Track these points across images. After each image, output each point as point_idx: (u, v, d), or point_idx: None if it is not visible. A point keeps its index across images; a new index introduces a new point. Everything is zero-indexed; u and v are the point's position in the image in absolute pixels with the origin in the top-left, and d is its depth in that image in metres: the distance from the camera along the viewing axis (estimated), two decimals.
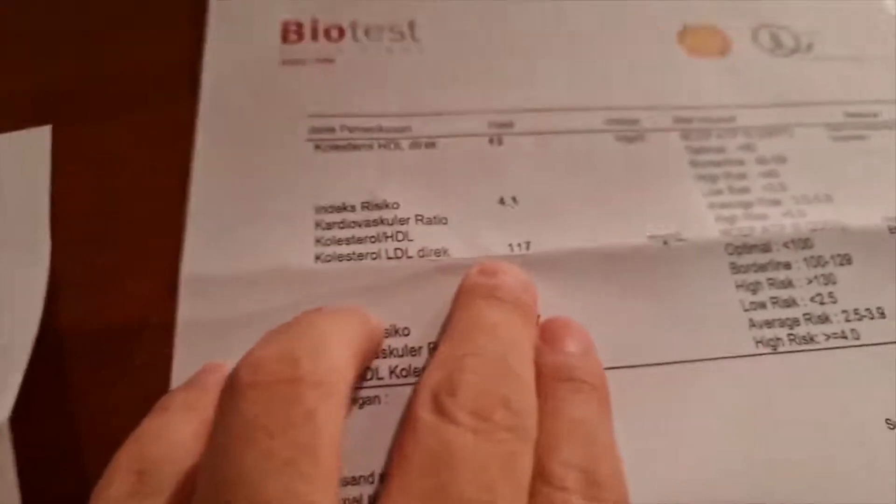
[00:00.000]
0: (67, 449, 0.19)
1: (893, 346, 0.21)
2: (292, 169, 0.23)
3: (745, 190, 0.24)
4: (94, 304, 0.21)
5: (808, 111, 0.26)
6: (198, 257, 0.21)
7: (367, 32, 0.27)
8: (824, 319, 0.21)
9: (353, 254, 0.21)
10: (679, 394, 0.20)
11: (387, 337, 0.20)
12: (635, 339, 0.21)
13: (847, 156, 0.25)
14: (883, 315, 0.22)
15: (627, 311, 0.21)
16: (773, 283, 0.22)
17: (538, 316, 0.20)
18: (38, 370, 0.18)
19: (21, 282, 0.20)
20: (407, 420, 0.16)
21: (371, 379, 0.19)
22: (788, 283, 0.22)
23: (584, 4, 0.28)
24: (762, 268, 0.22)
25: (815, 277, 0.22)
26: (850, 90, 0.27)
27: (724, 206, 0.23)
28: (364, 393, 0.19)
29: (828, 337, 0.21)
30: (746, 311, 0.21)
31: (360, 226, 0.22)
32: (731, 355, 0.21)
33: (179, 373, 0.19)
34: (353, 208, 0.22)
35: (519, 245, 0.22)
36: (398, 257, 0.21)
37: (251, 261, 0.21)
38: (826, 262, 0.22)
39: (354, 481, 0.18)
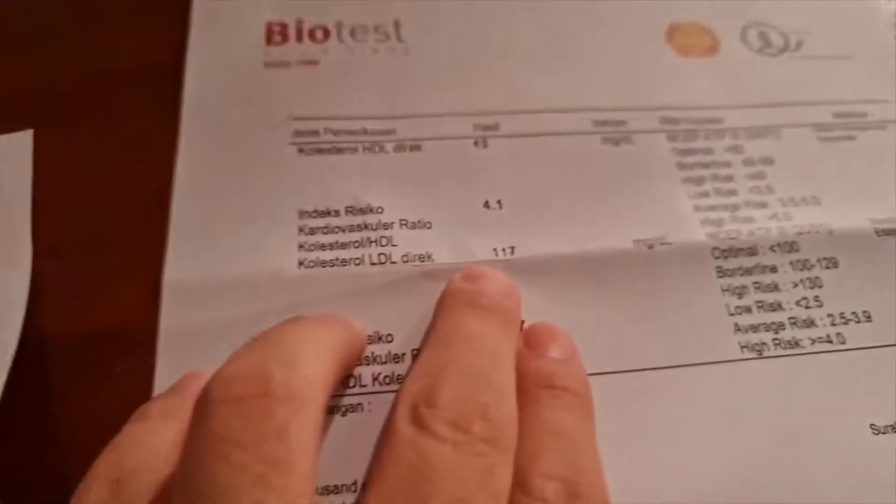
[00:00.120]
0: (48, 455, 0.19)
1: (879, 350, 0.21)
2: (276, 173, 0.23)
3: (731, 192, 0.24)
4: (75, 310, 0.21)
5: (796, 111, 0.26)
6: (181, 263, 0.21)
7: (352, 33, 0.27)
8: (810, 324, 0.21)
9: (337, 259, 0.21)
10: (664, 400, 0.20)
11: (370, 343, 0.20)
12: (620, 345, 0.20)
13: (835, 157, 0.25)
14: (869, 319, 0.22)
15: (612, 316, 0.21)
16: (758, 286, 0.22)
17: (522, 321, 0.20)
18: (20, 377, 0.18)
19: (2, 288, 0.20)
20: (386, 432, 0.16)
21: (354, 386, 0.19)
22: (774, 287, 0.22)
23: (572, 4, 0.28)
24: (748, 271, 0.22)
25: (801, 281, 0.22)
26: (838, 90, 0.27)
27: (710, 208, 0.23)
28: (347, 400, 0.19)
29: (813, 341, 0.21)
30: (732, 315, 0.21)
31: (343, 231, 0.22)
32: (715, 361, 0.20)
33: (162, 380, 0.19)
34: (336, 213, 0.22)
35: (503, 250, 0.22)
36: (382, 263, 0.21)
37: (235, 267, 0.21)
38: (812, 266, 0.22)
39: (336, 490, 0.18)
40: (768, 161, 0.25)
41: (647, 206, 0.23)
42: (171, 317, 0.20)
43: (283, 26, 0.26)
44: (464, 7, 0.28)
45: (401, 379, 0.19)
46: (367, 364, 0.20)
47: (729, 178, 0.24)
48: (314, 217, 0.22)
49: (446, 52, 0.26)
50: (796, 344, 0.21)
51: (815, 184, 0.24)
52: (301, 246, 0.21)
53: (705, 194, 0.24)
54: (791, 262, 0.22)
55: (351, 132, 0.24)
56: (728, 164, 0.25)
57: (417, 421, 0.15)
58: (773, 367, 0.20)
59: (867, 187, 0.24)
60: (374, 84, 0.25)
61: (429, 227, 0.22)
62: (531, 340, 0.19)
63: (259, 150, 0.23)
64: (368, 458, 0.18)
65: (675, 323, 0.21)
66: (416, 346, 0.20)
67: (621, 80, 0.26)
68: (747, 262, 0.22)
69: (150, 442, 0.16)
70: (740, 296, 0.22)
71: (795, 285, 0.22)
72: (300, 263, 0.21)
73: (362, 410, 0.19)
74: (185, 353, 0.19)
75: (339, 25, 0.27)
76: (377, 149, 0.24)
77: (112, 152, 0.24)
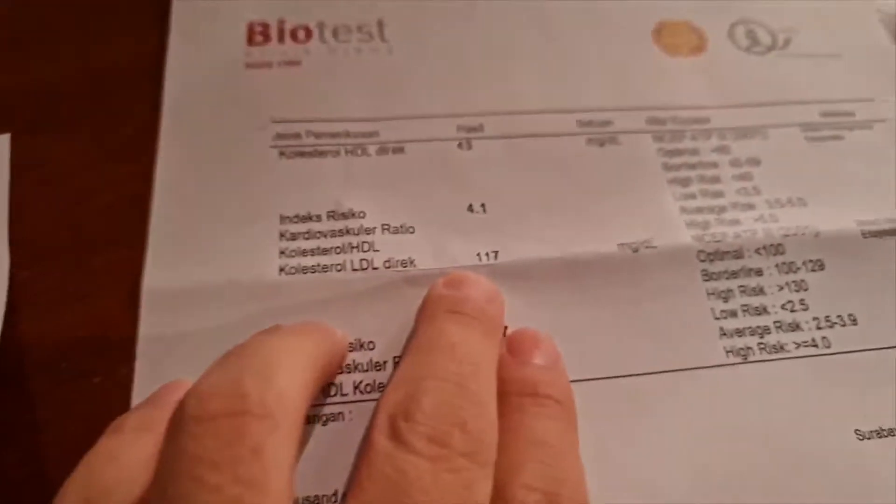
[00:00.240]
0: (26, 464, 0.19)
1: (865, 353, 0.21)
2: (257, 177, 0.23)
3: (718, 194, 0.24)
4: (53, 318, 0.21)
5: (783, 111, 0.26)
6: (160, 270, 0.21)
7: (335, 33, 0.26)
8: (795, 327, 0.21)
9: (318, 265, 0.21)
10: (648, 406, 0.20)
11: (351, 351, 0.20)
12: (604, 351, 0.20)
13: (822, 157, 0.25)
14: (855, 322, 0.21)
15: (596, 321, 0.21)
16: (744, 290, 0.22)
17: (505, 327, 0.20)
18: None
19: None
20: (364, 444, 0.16)
21: (335, 395, 0.19)
22: (760, 291, 0.22)
23: (558, 4, 0.28)
24: (734, 275, 0.22)
25: (787, 284, 0.22)
26: (826, 88, 0.27)
27: (696, 210, 0.23)
28: (328, 409, 0.19)
29: (798, 345, 0.21)
30: (717, 319, 0.21)
31: (325, 236, 0.21)
32: (701, 366, 0.20)
33: (141, 387, 0.19)
34: (318, 218, 0.22)
35: (487, 254, 0.21)
36: (364, 269, 0.21)
37: (215, 274, 0.21)
38: (798, 269, 0.22)
39: (316, 500, 0.17)
40: (755, 162, 0.25)
41: (632, 209, 0.23)
42: (151, 325, 0.20)
43: (265, 26, 0.26)
44: (448, 7, 0.27)
45: (382, 387, 0.19)
46: (349, 372, 0.19)
47: (716, 180, 0.24)
48: (295, 222, 0.22)
49: (431, 53, 0.26)
50: (781, 348, 0.21)
51: (802, 185, 0.24)
52: (282, 252, 0.21)
53: (692, 196, 0.24)
54: (777, 265, 0.22)
55: (333, 135, 0.24)
56: (715, 165, 0.24)
57: (395, 435, 0.15)
58: (759, 371, 0.20)
59: (853, 188, 0.24)
60: (356, 85, 0.25)
61: (411, 232, 0.22)
62: (514, 347, 0.19)
63: (240, 153, 0.23)
64: (349, 467, 0.18)
65: (660, 328, 0.21)
66: (398, 354, 0.20)
67: (607, 79, 0.26)
68: (733, 265, 0.22)
69: (123, 458, 0.16)
70: (726, 300, 0.21)
71: (781, 288, 0.22)
72: (281, 270, 0.21)
73: (343, 419, 0.19)
74: (164, 362, 0.19)
75: (321, 25, 0.26)
76: (359, 151, 0.23)
77: (91, 157, 0.23)
